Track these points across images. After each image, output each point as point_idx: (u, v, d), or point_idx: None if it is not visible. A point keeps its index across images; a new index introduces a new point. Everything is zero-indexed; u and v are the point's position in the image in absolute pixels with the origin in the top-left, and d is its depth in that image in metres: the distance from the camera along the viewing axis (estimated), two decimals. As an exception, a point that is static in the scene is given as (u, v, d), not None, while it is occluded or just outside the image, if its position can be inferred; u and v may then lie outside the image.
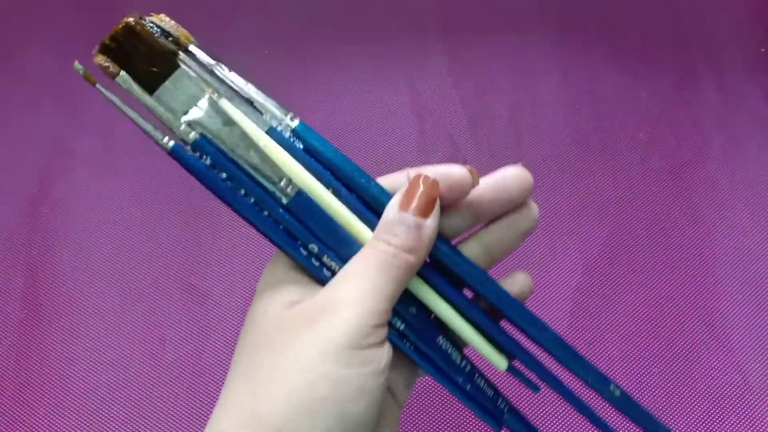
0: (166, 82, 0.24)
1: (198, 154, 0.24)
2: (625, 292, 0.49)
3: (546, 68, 0.59)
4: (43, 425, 0.45)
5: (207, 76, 0.25)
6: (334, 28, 0.61)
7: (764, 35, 0.60)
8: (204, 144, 0.24)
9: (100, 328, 0.48)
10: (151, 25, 0.25)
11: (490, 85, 0.58)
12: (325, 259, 0.24)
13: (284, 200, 0.24)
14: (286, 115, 0.25)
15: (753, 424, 0.45)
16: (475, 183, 0.25)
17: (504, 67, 0.59)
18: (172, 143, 0.25)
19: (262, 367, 0.21)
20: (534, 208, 0.27)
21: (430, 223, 0.23)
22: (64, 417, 0.45)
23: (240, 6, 0.62)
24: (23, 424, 0.45)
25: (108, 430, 0.45)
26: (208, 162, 0.24)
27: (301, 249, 0.24)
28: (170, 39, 0.25)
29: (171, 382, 0.46)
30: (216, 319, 0.48)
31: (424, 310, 0.26)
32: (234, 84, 0.25)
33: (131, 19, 0.23)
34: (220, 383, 0.48)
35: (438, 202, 0.24)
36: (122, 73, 0.24)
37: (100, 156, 0.55)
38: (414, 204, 0.23)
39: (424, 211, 0.23)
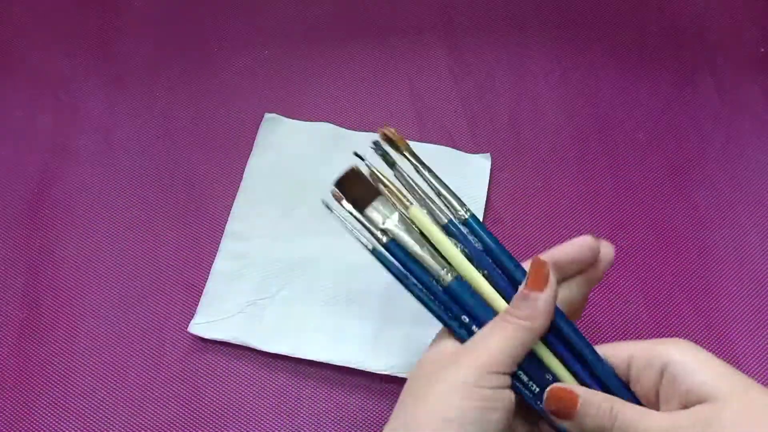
0: (373, 203, 0.33)
1: (389, 253, 0.33)
2: (624, 291, 0.49)
3: (546, 68, 0.59)
4: (43, 425, 0.45)
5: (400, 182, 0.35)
6: (334, 29, 0.61)
7: (764, 35, 0.60)
8: (393, 246, 0.33)
9: (100, 328, 0.48)
10: (378, 140, 0.36)
11: (490, 85, 0.58)
12: (473, 328, 0.32)
13: (444, 282, 0.32)
14: (462, 207, 0.35)
15: (753, 424, 0.45)
16: (596, 251, 0.34)
17: (504, 66, 0.59)
18: (372, 246, 0.33)
19: (417, 394, 0.29)
20: (604, 260, 0.35)
21: (544, 296, 0.30)
22: (64, 417, 0.45)
23: (241, 6, 0.62)
24: (23, 424, 0.45)
25: (108, 430, 0.45)
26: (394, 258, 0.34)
27: (453, 320, 0.32)
28: (392, 144, 0.36)
29: (171, 381, 0.46)
30: (216, 319, 0.48)
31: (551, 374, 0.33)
32: (427, 183, 0.36)
33: (354, 167, 0.34)
34: (220, 382, 0.48)
35: (551, 276, 0.31)
36: (344, 202, 0.34)
37: (100, 156, 0.55)
38: (529, 281, 0.31)
39: (537, 285, 0.30)
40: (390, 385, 0.46)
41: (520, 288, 0.31)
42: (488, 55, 0.59)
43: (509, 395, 0.30)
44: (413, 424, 0.28)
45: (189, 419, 0.45)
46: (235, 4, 0.62)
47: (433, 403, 0.28)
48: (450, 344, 0.32)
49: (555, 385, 0.31)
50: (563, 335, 0.32)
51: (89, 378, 0.47)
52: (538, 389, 0.32)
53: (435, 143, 0.54)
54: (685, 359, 0.29)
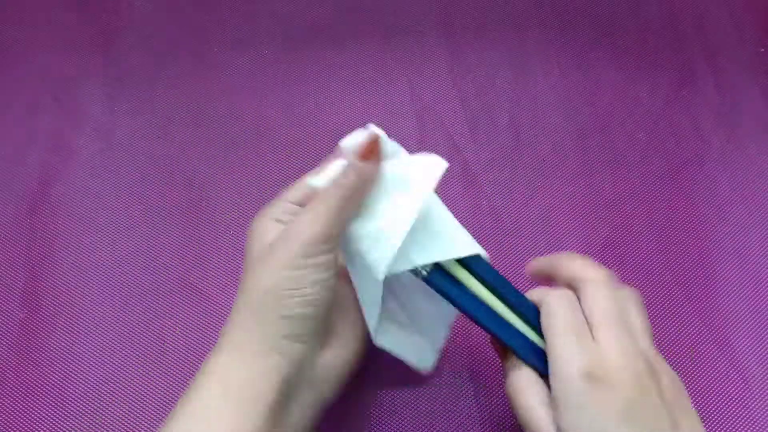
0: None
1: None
2: (625, 292, 0.49)
3: (545, 68, 0.59)
4: (43, 425, 0.45)
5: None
6: (334, 29, 0.61)
7: (764, 35, 0.60)
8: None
9: (100, 328, 0.48)
10: None
11: (490, 85, 0.58)
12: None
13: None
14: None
15: (753, 424, 0.45)
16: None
17: (504, 67, 0.59)
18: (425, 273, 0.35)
19: (252, 276, 0.33)
20: None
21: (368, 166, 0.34)
22: (64, 417, 0.45)
23: (241, 6, 0.62)
24: (23, 424, 0.45)
25: (108, 429, 0.45)
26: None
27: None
28: None
29: (171, 381, 0.46)
30: (216, 318, 0.48)
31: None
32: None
33: None
34: (220, 383, 0.48)
35: (380, 154, 0.35)
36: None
37: (100, 156, 0.55)
38: (360, 153, 0.35)
39: (365, 156, 0.34)
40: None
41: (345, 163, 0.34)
42: (488, 55, 0.59)
43: (338, 256, 0.34)
44: (250, 300, 0.33)
45: (189, 419, 0.45)
46: (235, 4, 0.62)
47: (274, 274, 0.32)
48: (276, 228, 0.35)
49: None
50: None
51: (89, 378, 0.47)
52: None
53: (435, 144, 0.54)
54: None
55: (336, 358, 0.36)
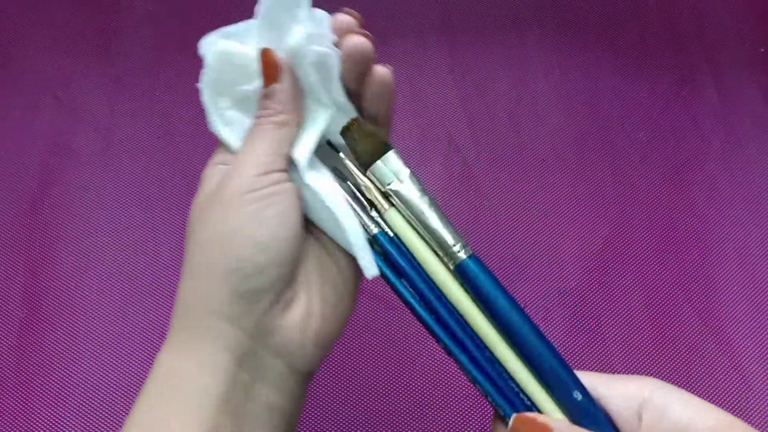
0: (378, 162, 0.29)
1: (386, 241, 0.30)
2: (625, 291, 0.49)
3: (545, 68, 0.59)
4: (43, 425, 0.45)
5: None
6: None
7: (764, 35, 0.60)
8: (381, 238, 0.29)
9: (100, 328, 0.48)
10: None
11: (490, 85, 0.58)
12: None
13: (457, 259, 0.28)
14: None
15: (753, 424, 0.45)
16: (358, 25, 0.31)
17: (504, 66, 0.59)
18: (375, 231, 0.29)
19: (191, 233, 0.29)
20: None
21: (283, 85, 0.29)
22: (64, 417, 0.45)
23: (241, 6, 0.62)
24: (23, 424, 0.45)
25: (108, 429, 0.45)
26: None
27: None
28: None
29: (171, 382, 0.46)
30: (216, 319, 0.48)
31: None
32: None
33: (355, 122, 0.30)
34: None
35: (283, 65, 0.29)
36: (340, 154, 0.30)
37: (100, 156, 0.55)
38: (264, 77, 0.29)
39: (271, 78, 0.29)
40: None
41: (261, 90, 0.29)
42: (488, 55, 0.59)
43: (288, 188, 0.29)
44: (199, 254, 0.28)
45: (189, 419, 0.45)
46: (234, 4, 0.62)
47: (214, 222, 0.28)
48: (228, 161, 0.31)
49: (525, 415, 0.27)
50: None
51: (89, 378, 0.47)
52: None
53: (435, 144, 0.54)
54: (666, 396, 0.27)
55: (305, 319, 0.28)
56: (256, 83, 0.30)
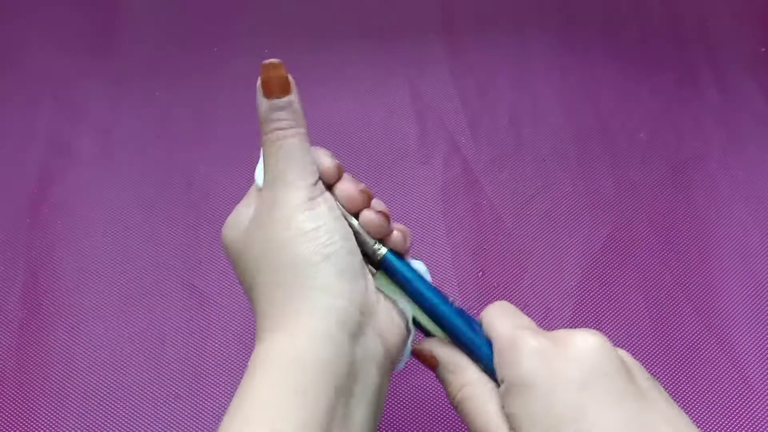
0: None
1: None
2: (625, 291, 0.49)
3: (546, 68, 0.59)
4: (43, 425, 0.45)
5: None
6: (334, 28, 0.61)
7: (764, 35, 0.60)
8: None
9: (100, 328, 0.48)
10: None
11: (490, 85, 0.58)
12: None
13: (379, 256, 0.31)
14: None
15: (753, 424, 0.45)
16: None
17: (504, 66, 0.59)
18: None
19: (266, 239, 0.29)
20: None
21: (291, 97, 0.31)
22: (64, 417, 0.45)
23: (241, 6, 0.62)
24: (23, 424, 0.45)
25: (108, 430, 0.45)
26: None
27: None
28: None
29: (171, 382, 0.46)
30: (216, 319, 0.48)
31: None
32: None
33: None
34: (221, 383, 0.48)
35: (288, 77, 0.32)
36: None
37: (100, 156, 0.55)
38: (265, 92, 0.33)
39: (280, 92, 0.32)
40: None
41: (265, 102, 0.32)
42: (488, 55, 0.59)
43: (327, 196, 0.31)
44: (279, 246, 0.29)
45: (189, 419, 0.45)
46: (235, 4, 0.62)
47: (285, 227, 0.29)
48: (254, 193, 0.33)
49: (420, 345, 0.31)
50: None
51: (89, 378, 0.47)
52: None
53: (435, 144, 0.54)
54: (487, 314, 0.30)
55: (388, 312, 0.30)
56: None
